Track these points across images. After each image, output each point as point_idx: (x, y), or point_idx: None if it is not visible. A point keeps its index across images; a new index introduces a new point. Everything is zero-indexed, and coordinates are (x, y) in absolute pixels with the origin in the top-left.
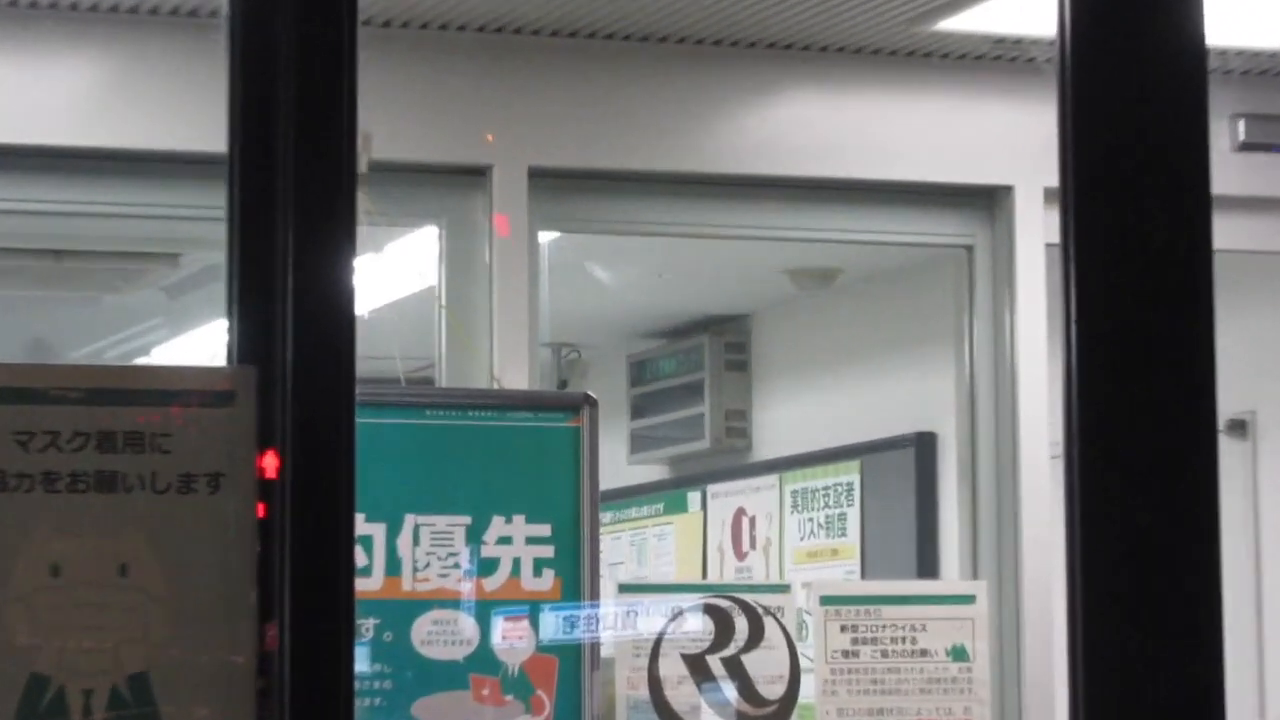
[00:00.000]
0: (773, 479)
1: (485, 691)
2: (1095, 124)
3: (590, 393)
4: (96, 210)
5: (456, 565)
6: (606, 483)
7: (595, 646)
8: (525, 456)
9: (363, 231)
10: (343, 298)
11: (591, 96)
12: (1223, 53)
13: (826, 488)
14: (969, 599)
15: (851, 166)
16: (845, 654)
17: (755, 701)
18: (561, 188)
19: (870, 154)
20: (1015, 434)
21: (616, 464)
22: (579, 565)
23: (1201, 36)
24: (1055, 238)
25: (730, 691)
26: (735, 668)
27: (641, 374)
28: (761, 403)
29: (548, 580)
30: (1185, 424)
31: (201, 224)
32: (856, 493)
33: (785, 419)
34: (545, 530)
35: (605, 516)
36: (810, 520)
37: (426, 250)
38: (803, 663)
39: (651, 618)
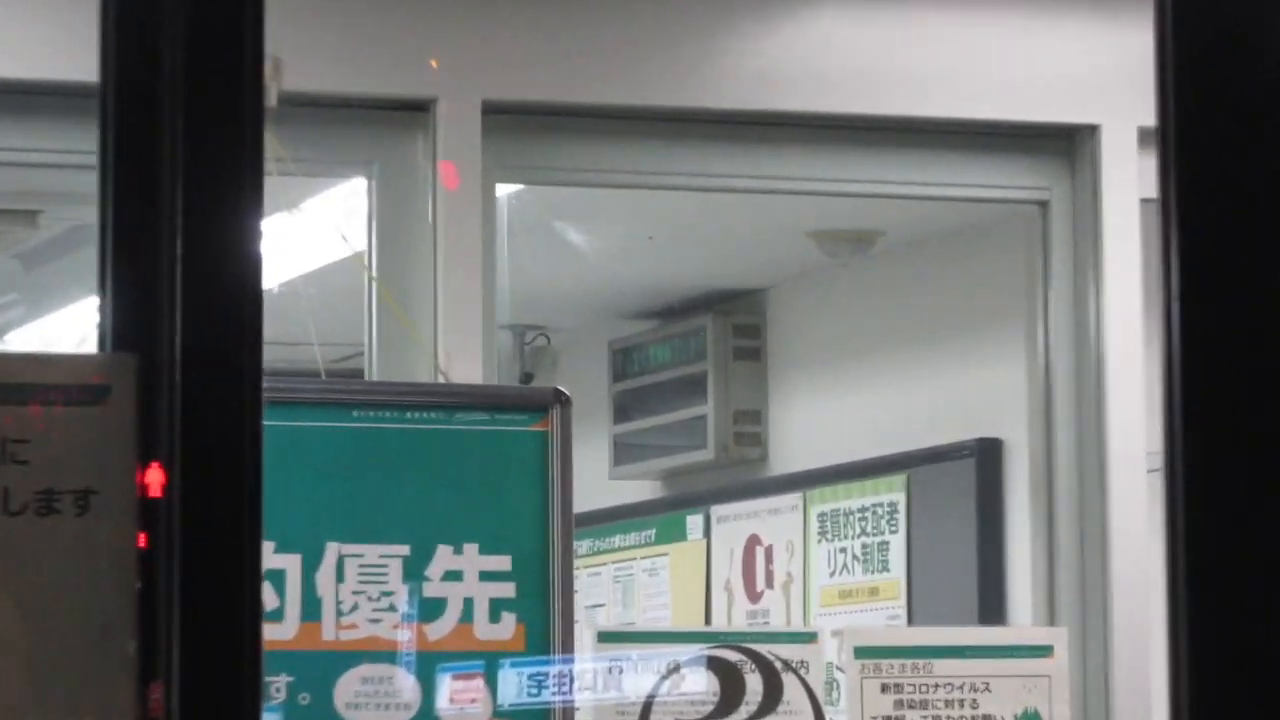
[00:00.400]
0: (795, 498)
1: None
2: (1203, 47)
3: (562, 388)
4: None
5: (392, 608)
6: (583, 503)
7: (569, 712)
8: (479, 469)
9: (271, 183)
10: (247, 268)
11: (562, 13)
12: None
13: (863, 510)
14: (1044, 651)
15: (894, 101)
16: None
17: None
18: (524, 127)
19: (918, 86)
20: (1103, 440)
21: (596, 479)
22: (547, 608)
23: None
24: (1152, 191)
25: None
26: None
27: (627, 365)
28: (780, 401)
29: (508, 627)
30: None
31: (66, 173)
32: (901, 516)
33: (810, 422)
34: (504, 563)
35: (581, 546)
36: (843, 551)
37: (353, 207)
38: None
39: (640, 675)
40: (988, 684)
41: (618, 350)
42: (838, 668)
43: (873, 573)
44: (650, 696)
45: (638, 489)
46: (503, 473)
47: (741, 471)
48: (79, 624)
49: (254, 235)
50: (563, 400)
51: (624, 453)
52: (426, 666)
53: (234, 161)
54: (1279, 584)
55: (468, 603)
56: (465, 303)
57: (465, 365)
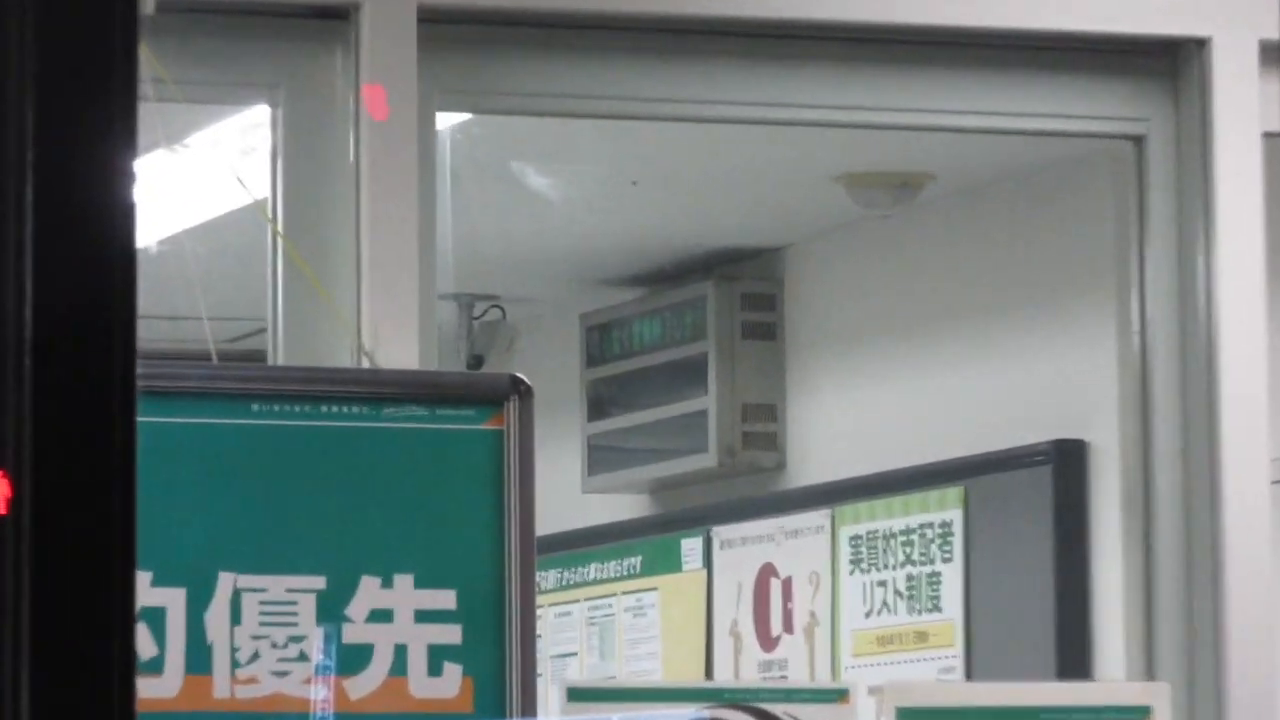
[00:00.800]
0: (820, 517)
1: None
2: None
3: (521, 375)
4: None
5: (303, 657)
6: (549, 522)
7: None
8: (414, 479)
9: (148, 111)
10: (116, 220)
11: None
12: None
13: (908, 532)
14: (1141, 713)
15: (949, 9)
16: None
17: None
18: (472, 40)
19: None
20: (1215, 442)
21: (565, 492)
22: (502, 658)
23: None
24: (1277, 122)
25: None
26: None
27: (605, 345)
28: (801, 392)
29: (451, 681)
30: None
31: None
32: (957, 539)
33: (840, 419)
34: (447, 600)
35: (547, 578)
36: (882, 584)
37: (254, 143)
38: None
39: None
40: None
41: (593, 327)
42: None
43: (920, 612)
44: None
45: (618, 504)
46: (445, 483)
47: (752, 483)
48: None
49: (125, 178)
50: (521, 390)
51: (601, 458)
52: None
53: (100, 83)
54: None
55: (400, 651)
56: (397, 266)
57: (397, 346)
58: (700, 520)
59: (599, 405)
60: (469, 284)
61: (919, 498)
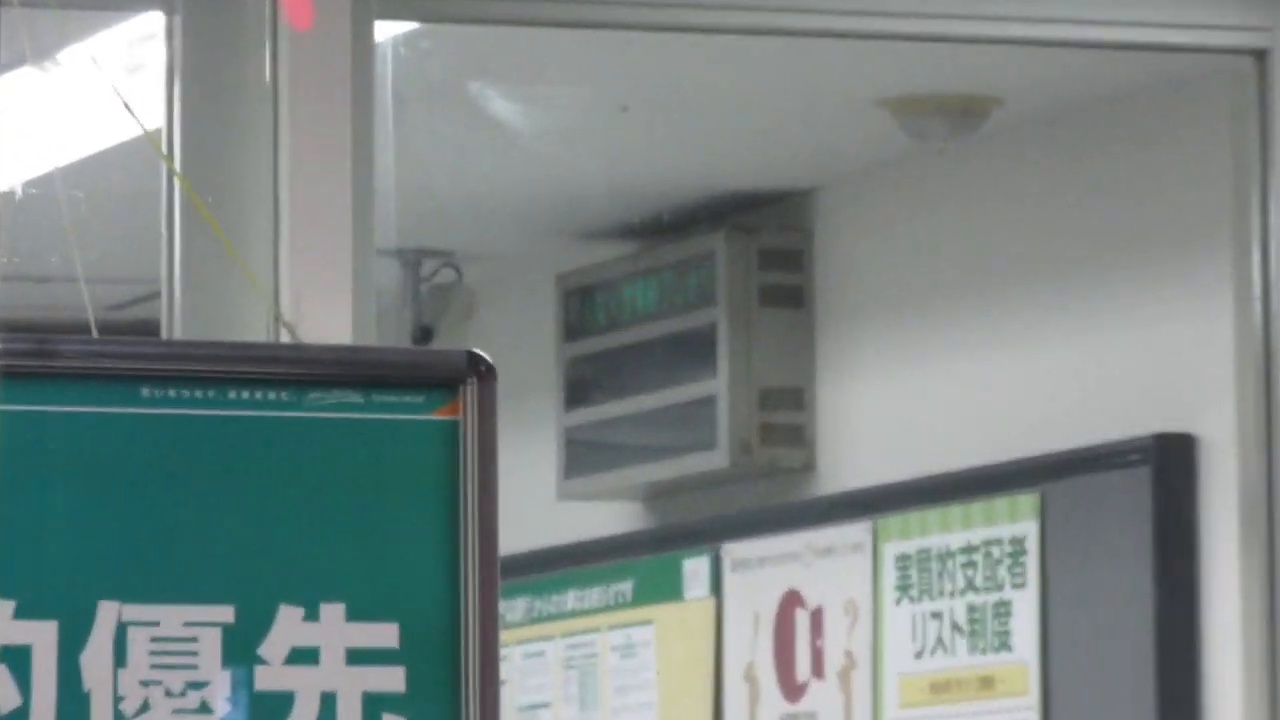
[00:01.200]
0: (859, 531)
1: None
2: None
3: (480, 352)
4: None
5: (204, 708)
6: (518, 538)
7: None
8: (347, 483)
9: (5, 19)
10: None
11: None
12: None
13: (970, 549)
14: None
15: None
16: None
17: None
18: None
19: None
20: None
21: (537, 499)
22: (456, 710)
23: None
24: None
25: None
26: None
27: (588, 314)
28: (835, 373)
29: None
30: None
31: None
32: (1032, 559)
33: (884, 407)
34: (388, 636)
35: (514, 608)
36: (936, 617)
37: (144, 58)
38: None
39: None
40: None
41: (572, 291)
42: None
43: (985, 652)
44: None
45: (604, 515)
46: (385, 488)
47: (773, 487)
48: None
49: None
50: (481, 371)
51: (582, 456)
52: None
53: None
54: None
55: (328, 701)
56: (325, 214)
57: (325, 314)
58: (707, 535)
59: (579, 390)
60: (415, 237)
61: (983, 507)
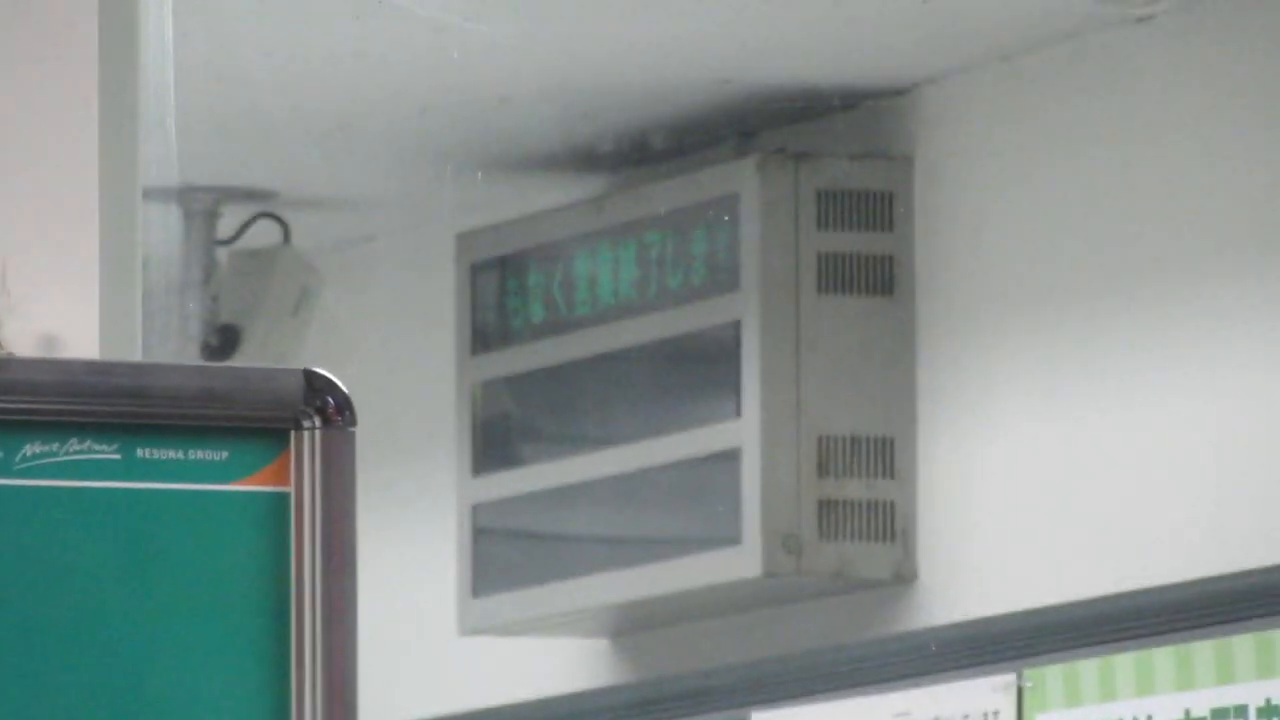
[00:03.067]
0: (994, 690)
1: None
2: None
3: (323, 372)
4: None
5: None
6: (393, 696)
7: None
8: (102, 606)
9: None
10: None
11: None
12: None
13: None
14: None
15: None
16: None
17: None
18: None
19: None
20: None
21: (426, 632)
22: None
23: None
24: None
25: None
26: None
27: (511, 304)
28: (952, 412)
29: None
30: None
31: None
32: None
33: (1040, 468)
34: None
35: None
36: None
37: None
38: None
39: None
40: None
41: (485, 264)
42: None
43: None
44: None
45: (539, 661)
46: (165, 615)
47: (841, 614)
48: None
49: None
50: (328, 406)
51: (500, 557)
52: None
53: None
54: None
55: None
56: (56, 135)
57: (52, 304)
58: (723, 698)
59: (497, 440)
60: (213, 167)
61: (1217, 650)
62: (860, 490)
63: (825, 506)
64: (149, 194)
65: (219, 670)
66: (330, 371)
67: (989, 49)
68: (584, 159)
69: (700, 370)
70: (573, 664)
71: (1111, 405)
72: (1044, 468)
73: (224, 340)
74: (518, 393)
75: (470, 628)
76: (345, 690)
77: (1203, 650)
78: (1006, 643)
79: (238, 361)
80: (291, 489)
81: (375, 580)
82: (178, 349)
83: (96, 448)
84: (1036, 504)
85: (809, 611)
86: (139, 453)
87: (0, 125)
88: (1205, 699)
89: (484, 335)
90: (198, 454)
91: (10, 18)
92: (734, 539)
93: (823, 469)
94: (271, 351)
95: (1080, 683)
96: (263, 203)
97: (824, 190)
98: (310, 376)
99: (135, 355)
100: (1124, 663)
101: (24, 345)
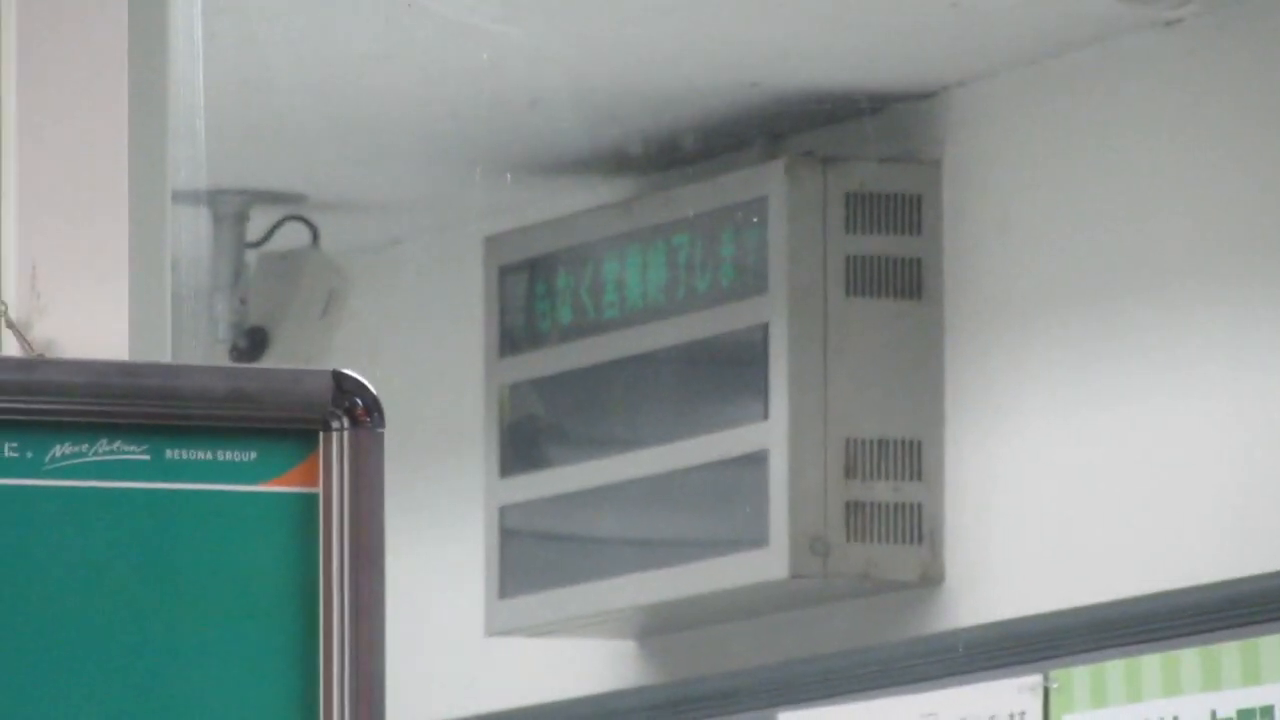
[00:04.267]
0: (1020, 691)
1: None
2: None
3: (353, 374)
4: None
5: None
6: (419, 696)
7: None
8: (122, 606)
9: None
10: None
11: None
12: None
13: None
14: None
15: None
16: None
17: None
18: None
19: None
20: None
21: (454, 632)
22: None
23: None
24: None
25: None
26: None
27: (541, 307)
28: (979, 415)
29: None
30: None
31: None
32: None
33: (1066, 472)
34: None
35: None
36: None
37: None
38: None
39: None
40: None
41: (514, 267)
42: None
43: None
44: None
45: (566, 662)
46: (188, 615)
47: (868, 615)
48: None
49: None
50: (356, 407)
51: (527, 559)
52: None
53: None
54: None
55: None
56: (83, 139)
57: (80, 307)
58: (750, 698)
59: (524, 442)
60: (242, 170)
61: (1242, 652)
62: (887, 492)
63: (852, 508)
64: (178, 197)
65: (247, 671)
66: (359, 373)
67: (1017, 52)
68: (613, 162)
69: (728, 373)
70: (600, 665)
71: (1139, 406)
72: (1071, 469)
73: (252, 342)
74: (545, 395)
75: (497, 629)
76: (373, 691)
77: (1229, 651)
78: (1033, 644)
79: (266, 363)
80: (320, 490)
81: (403, 581)
82: (206, 351)
83: (125, 449)
84: (1063, 505)
85: (836, 613)
86: (168, 454)
87: (31, 129)
88: (1232, 700)
89: (512, 337)
90: (226, 455)
91: (41, 22)
92: (761, 541)
93: (850, 471)
94: (300, 354)
95: (1106, 684)
96: (292, 205)
97: (852, 193)
98: (339, 378)
99: (164, 357)
100: (1150, 663)
101: (54, 347)
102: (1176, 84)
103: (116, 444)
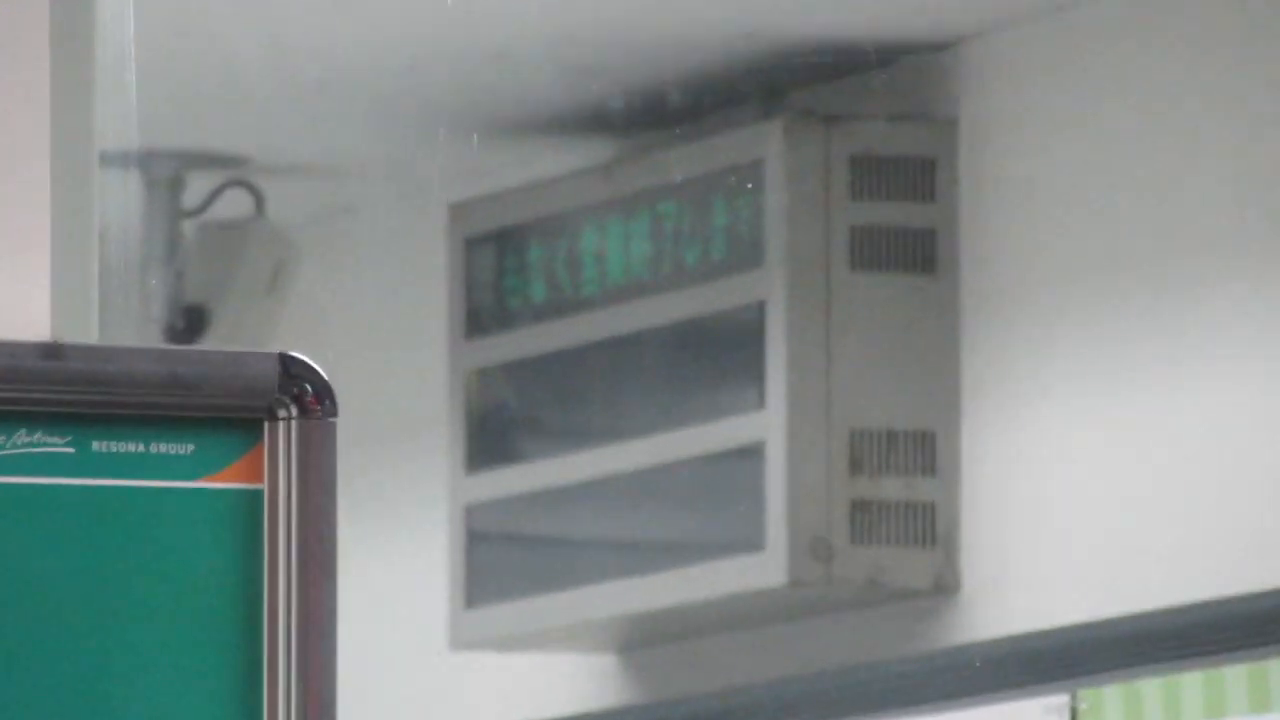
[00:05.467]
0: (1043, 712)
1: None
2: None
3: (301, 356)
4: None
5: None
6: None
7: None
8: (100, 600)
9: None
10: None
11: None
12: None
13: None
14: None
15: None
16: None
17: None
18: None
19: None
20: None
21: (415, 644)
22: None
23: None
24: None
25: None
26: None
27: (510, 283)
28: (999, 405)
29: None
30: None
31: None
32: None
33: (1098, 466)
34: None
35: None
36: None
37: None
38: None
39: None
40: None
41: (481, 238)
42: None
43: None
44: None
45: (539, 677)
46: (126, 621)
47: (876, 626)
48: None
49: None
50: (305, 394)
51: (496, 563)
52: None
53: None
54: None
55: None
56: (4, 88)
57: (1, 280)
58: (747, 718)
59: (494, 431)
60: (174, 133)
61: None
62: (897, 490)
63: (858, 508)
64: (106, 159)
65: (185, 685)
66: (308, 356)
67: (1041, 0)
68: (591, 121)
69: (720, 356)
70: (577, 682)
71: (1179, 393)
72: (1103, 464)
73: (190, 322)
74: (516, 381)
75: (463, 642)
76: (323, 709)
77: (1261, 671)
78: (1059, 660)
79: (205, 345)
80: (265, 486)
81: (357, 588)
82: (138, 331)
83: (47, 440)
84: (1094, 505)
85: (839, 624)
86: (95, 446)
87: None
88: None
89: (480, 317)
90: (161, 447)
91: None
92: (757, 544)
93: (855, 466)
94: (243, 334)
95: (1142, 704)
96: (233, 169)
97: (858, 156)
98: (286, 361)
99: (91, 338)
100: (1191, 682)
101: None
102: (1217, 34)
103: (37, 435)
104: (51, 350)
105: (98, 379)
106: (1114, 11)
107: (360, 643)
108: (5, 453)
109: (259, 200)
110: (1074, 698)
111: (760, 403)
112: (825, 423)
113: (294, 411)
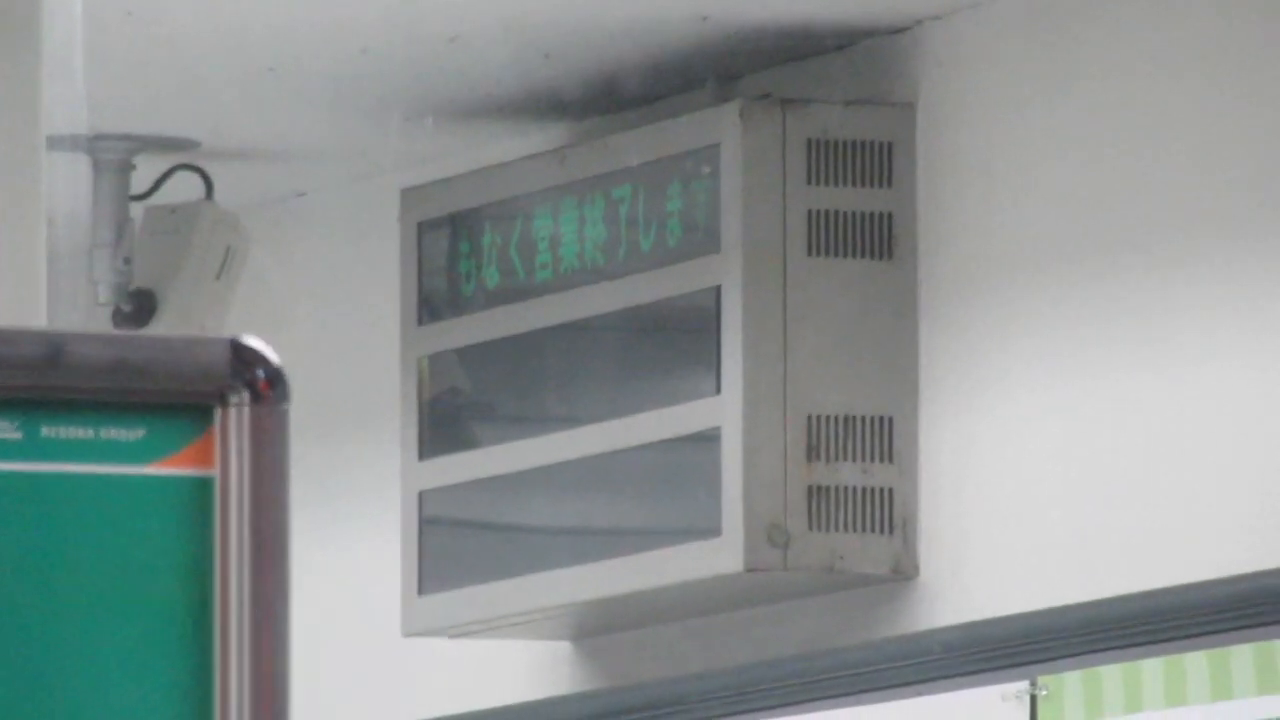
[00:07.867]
0: (1004, 700)
1: None
2: None
3: (251, 341)
4: None
5: None
6: (332, 705)
7: None
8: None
9: None
10: None
11: None
12: None
13: None
14: None
15: None
16: None
17: None
18: None
19: None
20: None
21: (368, 633)
22: None
23: None
24: None
25: None
26: None
27: (462, 267)
28: (957, 389)
29: None
30: None
31: None
32: None
33: (1057, 450)
34: None
35: None
36: None
37: None
38: None
39: None
40: None
41: (433, 222)
42: None
43: None
44: None
45: (494, 665)
46: (78, 607)
47: (835, 613)
48: None
49: None
50: (256, 379)
51: (448, 551)
52: None
53: None
54: None
55: None
56: None
57: None
58: (706, 708)
59: (447, 417)
60: (122, 116)
61: (1257, 655)
62: (855, 475)
63: (815, 494)
64: (54, 142)
65: (134, 674)
66: (259, 342)
67: None
68: (545, 104)
69: (676, 342)
70: (531, 669)
71: (1139, 379)
72: (1062, 450)
73: (139, 306)
74: (470, 367)
75: (416, 629)
76: (275, 698)
77: (1241, 655)
78: (1018, 646)
79: (155, 330)
80: (216, 472)
81: (310, 575)
82: (86, 316)
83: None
84: (1053, 491)
85: (797, 611)
86: (43, 431)
87: None
88: (1244, 710)
89: (432, 302)
90: (110, 433)
91: None
92: (713, 530)
93: (812, 452)
94: (192, 320)
95: (1102, 691)
96: (182, 153)
97: (815, 140)
98: (237, 347)
99: (39, 322)
100: (1151, 668)
101: None
102: (1183, 14)
103: None
104: (12, 337)
105: (45, 364)
106: None
107: (313, 630)
108: None
109: (209, 184)
110: (1033, 684)
111: (716, 388)
112: (782, 408)
113: (245, 397)
